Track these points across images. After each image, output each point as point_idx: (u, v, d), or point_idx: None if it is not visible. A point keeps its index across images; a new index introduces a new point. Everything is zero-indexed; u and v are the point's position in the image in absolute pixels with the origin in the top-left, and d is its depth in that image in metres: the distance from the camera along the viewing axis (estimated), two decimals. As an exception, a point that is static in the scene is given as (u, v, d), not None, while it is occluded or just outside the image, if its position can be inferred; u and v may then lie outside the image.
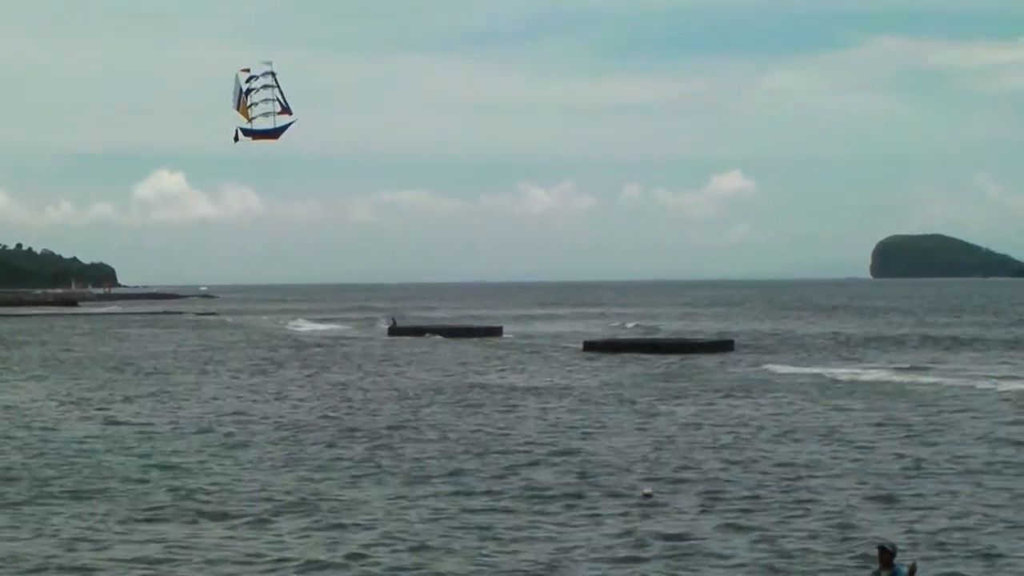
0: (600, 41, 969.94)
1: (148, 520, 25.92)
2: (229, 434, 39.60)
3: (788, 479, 30.08)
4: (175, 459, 34.20)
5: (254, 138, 38.34)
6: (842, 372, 62.15)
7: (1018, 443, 36.02)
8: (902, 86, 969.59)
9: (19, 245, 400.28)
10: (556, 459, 33.51)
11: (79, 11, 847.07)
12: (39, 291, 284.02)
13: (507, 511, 26.52)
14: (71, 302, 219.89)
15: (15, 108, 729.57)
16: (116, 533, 24.79)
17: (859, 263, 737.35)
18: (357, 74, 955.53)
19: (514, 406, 47.69)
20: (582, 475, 30.92)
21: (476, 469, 31.99)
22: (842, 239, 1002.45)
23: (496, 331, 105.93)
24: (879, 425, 40.61)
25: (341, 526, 25.14)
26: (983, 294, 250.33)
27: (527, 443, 36.78)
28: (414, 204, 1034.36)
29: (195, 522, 25.74)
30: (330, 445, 36.80)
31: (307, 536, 24.34)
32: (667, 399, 49.56)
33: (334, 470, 32.11)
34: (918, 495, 27.96)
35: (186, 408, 47.72)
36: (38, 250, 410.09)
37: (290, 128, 38.12)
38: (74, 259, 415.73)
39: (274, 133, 38.15)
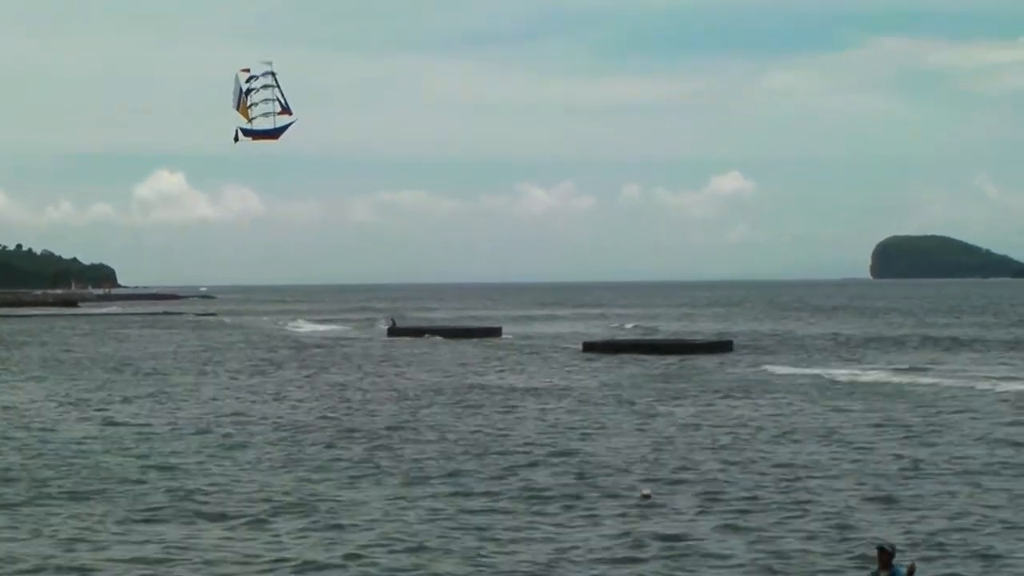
0: (600, 41, 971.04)
1: (146, 521, 25.92)
2: (228, 435, 39.61)
3: (787, 480, 30.09)
4: (173, 460, 34.21)
5: (254, 138, 38.34)
6: (841, 373, 62.14)
7: (1017, 444, 36.03)
8: (902, 86, 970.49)
9: (19, 245, 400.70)
10: (555, 460, 33.51)
11: (79, 11, 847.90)
12: (39, 292, 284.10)
13: (505, 512, 26.52)
14: (71, 303, 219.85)
15: (15, 108, 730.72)
16: (114, 534, 24.78)
17: (859, 263, 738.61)
18: (357, 74, 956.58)
19: (513, 407, 47.68)
20: (581, 476, 30.91)
21: (475, 470, 31.99)
22: (842, 239, 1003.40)
23: (495, 332, 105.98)
24: (878, 426, 40.61)
25: (339, 527, 25.14)
26: (983, 295, 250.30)
27: (526, 444, 36.77)
28: (414, 204, 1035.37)
29: (193, 523, 25.75)
30: (329, 446, 36.80)
31: (305, 537, 24.33)
32: (666, 400, 49.56)
33: (333, 471, 32.11)
34: (917, 496, 27.97)
35: (185, 409, 47.72)
36: (38, 251, 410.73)
37: (290, 128, 38.15)
38: (74, 260, 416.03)
39: (274, 133, 38.15)
